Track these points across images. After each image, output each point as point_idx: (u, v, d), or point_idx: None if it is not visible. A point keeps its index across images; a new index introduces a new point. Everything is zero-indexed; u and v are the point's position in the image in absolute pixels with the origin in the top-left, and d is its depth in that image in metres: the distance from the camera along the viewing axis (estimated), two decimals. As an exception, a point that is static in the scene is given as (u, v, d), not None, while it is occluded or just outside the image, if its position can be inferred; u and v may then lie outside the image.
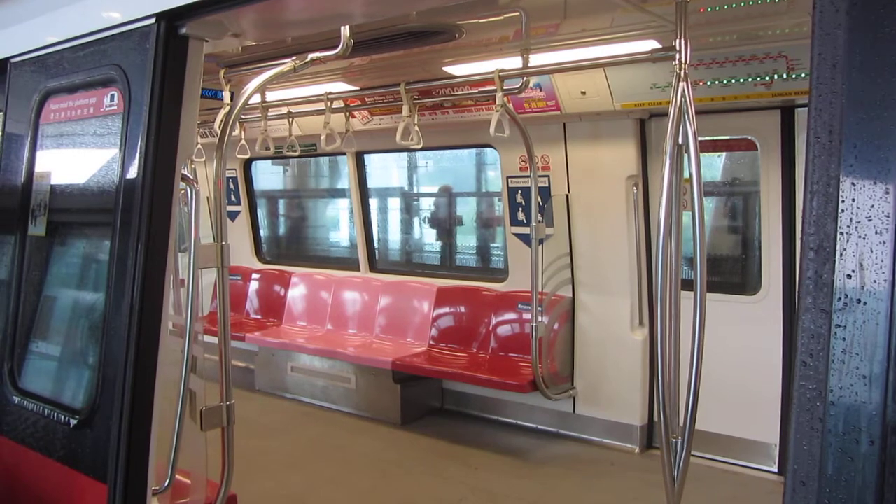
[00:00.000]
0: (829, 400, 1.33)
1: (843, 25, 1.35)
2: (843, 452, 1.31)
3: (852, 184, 1.33)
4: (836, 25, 1.36)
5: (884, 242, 1.28)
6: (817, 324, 1.36)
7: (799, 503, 1.36)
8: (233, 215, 9.30)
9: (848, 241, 1.32)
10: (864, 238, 1.31)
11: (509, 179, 6.83)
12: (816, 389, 1.35)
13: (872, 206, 1.30)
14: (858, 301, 1.31)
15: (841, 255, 1.33)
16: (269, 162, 9.70)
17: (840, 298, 1.33)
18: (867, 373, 1.29)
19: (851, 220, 1.32)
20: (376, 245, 8.57)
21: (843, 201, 1.33)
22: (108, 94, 3.06)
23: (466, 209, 8.57)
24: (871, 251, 1.30)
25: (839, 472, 1.31)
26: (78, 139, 3.28)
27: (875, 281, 1.29)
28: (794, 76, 4.83)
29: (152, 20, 2.83)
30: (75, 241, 3.53)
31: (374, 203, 8.61)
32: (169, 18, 2.80)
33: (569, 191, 6.50)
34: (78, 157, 3.31)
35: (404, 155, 8.54)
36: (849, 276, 1.32)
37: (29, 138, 3.48)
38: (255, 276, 9.27)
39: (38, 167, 3.47)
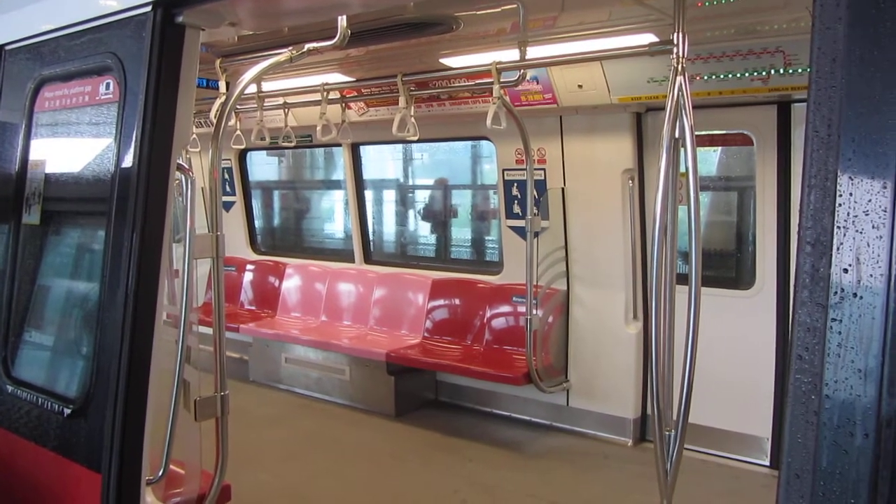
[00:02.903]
0: (825, 393, 1.33)
1: (843, 20, 1.35)
2: (838, 445, 1.32)
3: (850, 178, 1.33)
4: (837, 20, 1.36)
5: (881, 237, 1.28)
6: (813, 317, 1.36)
7: (793, 496, 1.37)
8: (228, 206, 9.27)
9: (845, 235, 1.32)
10: (861, 233, 1.31)
11: (505, 172, 6.83)
12: (812, 383, 1.35)
13: (870, 200, 1.30)
14: (854, 295, 1.31)
15: (838, 249, 1.33)
16: (265, 153, 9.67)
17: (836, 292, 1.33)
18: (862, 366, 1.29)
19: (849, 214, 1.32)
20: (371, 237, 8.56)
21: (840, 196, 1.33)
22: (104, 82, 3.05)
23: (462, 202, 8.57)
24: (868, 246, 1.30)
25: (833, 465, 1.32)
26: (73, 128, 3.27)
27: (871, 275, 1.30)
28: (791, 71, 4.82)
29: (148, 8, 2.81)
30: (70, 231, 3.52)
31: (369, 195, 8.60)
32: (165, 6, 2.78)
33: (564, 184, 6.50)
34: (73, 145, 3.29)
35: (400, 147, 8.53)
36: (845, 271, 1.32)
37: (23, 126, 3.46)
38: (249, 266, 9.25)
39: (33, 156, 3.45)
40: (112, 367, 2.79)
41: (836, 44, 1.36)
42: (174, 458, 3.21)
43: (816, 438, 1.34)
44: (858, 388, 1.30)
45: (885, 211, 1.28)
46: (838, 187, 1.34)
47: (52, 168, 3.37)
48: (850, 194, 1.33)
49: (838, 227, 1.33)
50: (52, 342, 3.45)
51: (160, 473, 3.11)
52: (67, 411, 2.99)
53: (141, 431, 2.82)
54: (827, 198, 1.35)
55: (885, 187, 1.29)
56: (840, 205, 1.33)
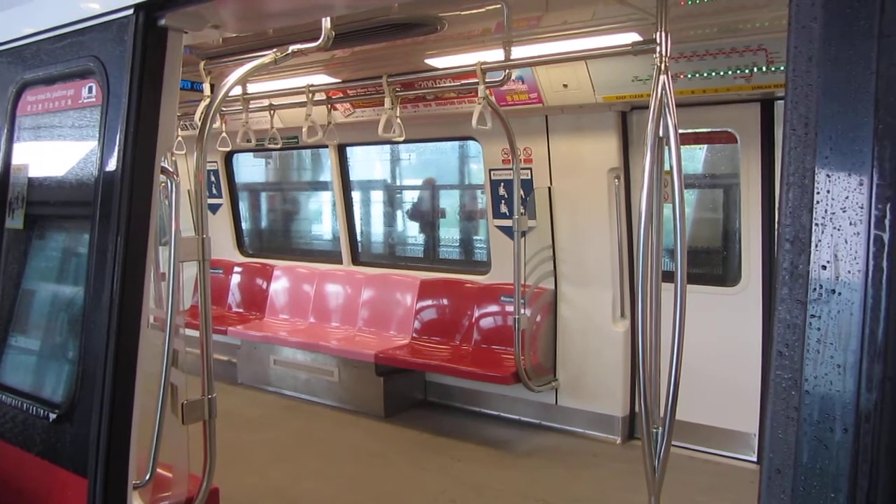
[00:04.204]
0: (805, 389, 1.35)
1: (818, 19, 1.37)
2: (818, 440, 1.33)
3: (827, 175, 1.34)
4: (812, 19, 1.37)
5: (858, 233, 1.30)
6: (793, 314, 1.37)
7: (774, 491, 1.38)
8: (214, 208, 9.24)
9: (823, 232, 1.34)
10: (838, 229, 1.32)
11: (492, 172, 6.84)
12: (792, 379, 1.37)
13: (847, 197, 1.32)
14: (833, 291, 1.33)
15: (816, 246, 1.34)
16: (251, 154, 9.65)
17: (815, 289, 1.35)
18: (841, 362, 1.31)
19: (826, 211, 1.34)
20: (359, 238, 8.56)
21: (818, 193, 1.35)
22: (86, 85, 3.03)
23: (449, 202, 8.57)
24: (846, 242, 1.31)
25: (814, 460, 1.33)
26: (56, 131, 3.25)
27: (849, 271, 1.31)
28: (773, 69, 4.86)
29: (130, 11, 2.80)
30: (54, 235, 3.50)
31: (356, 196, 8.59)
32: (147, 9, 2.77)
33: (551, 183, 6.51)
34: (56, 149, 3.28)
35: (387, 148, 8.52)
36: (823, 267, 1.34)
37: (5, 130, 3.44)
38: (237, 269, 9.22)
39: (15, 160, 3.43)
40: (98, 371, 2.78)
41: (812, 43, 1.37)
42: (161, 462, 3.20)
43: (797, 434, 1.36)
44: (838, 383, 1.31)
45: (862, 208, 1.30)
46: (816, 185, 1.35)
47: (35, 172, 3.35)
48: (828, 192, 1.34)
49: (816, 225, 1.35)
50: (38, 346, 3.43)
51: (147, 477, 3.11)
52: (53, 416, 2.97)
53: (127, 435, 2.81)
54: (805, 195, 1.37)
55: (861, 184, 1.30)
56: (818, 202, 1.35)
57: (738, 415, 5.78)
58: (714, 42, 4.95)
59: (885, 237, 1.27)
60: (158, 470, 3.17)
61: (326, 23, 3.32)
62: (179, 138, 6.76)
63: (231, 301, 9.13)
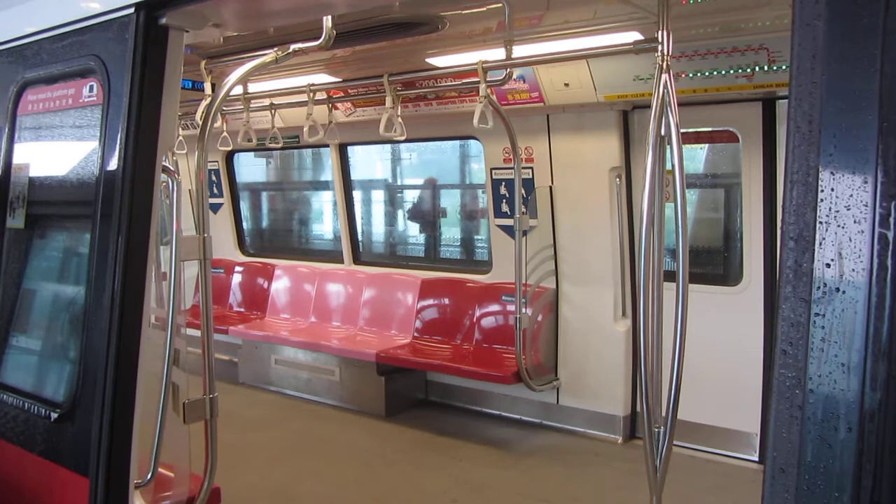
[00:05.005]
0: (808, 388, 1.34)
1: (822, 16, 1.36)
2: (822, 440, 1.33)
3: (831, 173, 1.34)
4: (816, 16, 1.37)
5: (862, 232, 1.29)
6: (797, 313, 1.37)
7: (778, 490, 1.38)
8: (215, 208, 9.24)
9: (827, 230, 1.33)
10: (842, 227, 1.32)
11: (493, 171, 6.83)
12: (796, 377, 1.36)
13: (851, 195, 1.31)
14: (837, 290, 1.32)
15: (820, 244, 1.34)
16: (252, 154, 9.64)
17: (819, 287, 1.34)
18: (845, 361, 1.30)
19: (830, 209, 1.33)
20: (360, 237, 8.55)
21: (822, 191, 1.34)
22: (87, 84, 3.03)
23: (450, 201, 8.56)
24: (850, 240, 1.31)
25: (818, 459, 1.33)
26: (56, 131, 3.25)
27: (853, 270, 1.30)
28: (774, 68, 4.85)
29: (131, 10, 2.80)
30: (55, 234, 3.50)
31: (357, 195, 8.58)
32: (148, 8, 2.77)
33: (552, 182, 6.51)
34: (57, 148, 3.28)
35: (388, 147, 8.52)
36: (828, 266, 1.33)
37: (6, 130, 3.44)
38: (238, 268, 9.22)
39: (16, 159, 3.43)
40: (99, 370, 2.78)
41: (816, 40, 1.37)
42: (163, 462, 3.20)
43: (801, 433, 1.35)
44: (842, 382, 1.31)
45: (867, 206, 1.29)
46: (820, 183, 1.35)
47: (36, 171, 3.35)
48: (832, 189, 1.34)
49: (820, 223, 1.34)
50: (39, 346, 3.43)
51: (149, 477, 3.11)
52: (55, 415, 2.97)
53: (129, 435, 2.80)
54: (809, 193, 1.36)
55: (865, 182, 1.30)
56: (822, 200, 1.34)
57: (740, 414, 5.78)
58: (716, 41, 4.94)
59: (890, 235, 1.26)
60: (160, 469, 3.17)
61: (327, 22, 3.31)
62: (180, 137, 6.76)
63: (232, 300, 9.13)
